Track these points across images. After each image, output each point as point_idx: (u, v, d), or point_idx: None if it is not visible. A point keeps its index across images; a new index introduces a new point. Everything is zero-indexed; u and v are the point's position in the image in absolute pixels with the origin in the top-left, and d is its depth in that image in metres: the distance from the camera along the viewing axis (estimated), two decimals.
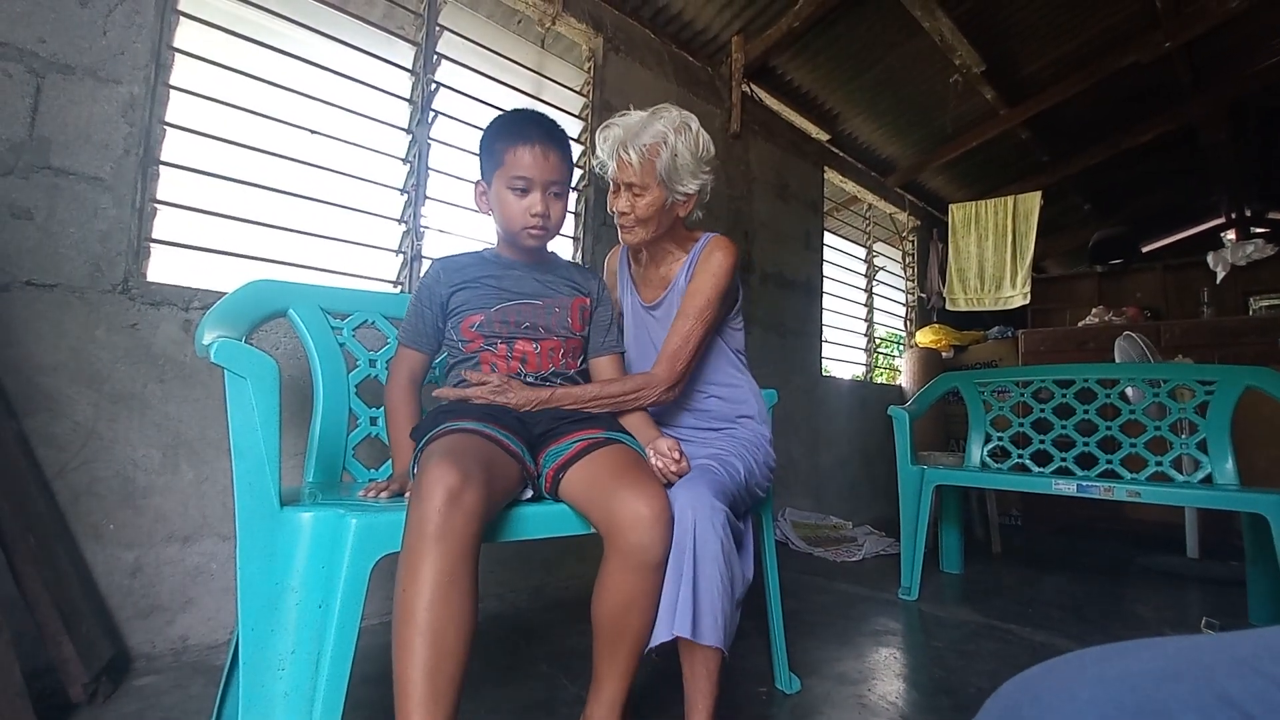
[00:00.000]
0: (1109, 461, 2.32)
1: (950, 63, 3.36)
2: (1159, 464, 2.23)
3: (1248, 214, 5.61)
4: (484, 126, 1.25)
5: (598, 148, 1.34)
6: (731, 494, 1.18)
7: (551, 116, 1.24)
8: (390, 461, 1.38)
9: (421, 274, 2.06)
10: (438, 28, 2.13)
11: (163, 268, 1.62)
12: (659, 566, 1.02)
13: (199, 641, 1.57)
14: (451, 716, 0.82)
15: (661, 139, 1.27)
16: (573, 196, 2.32)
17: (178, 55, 1.63)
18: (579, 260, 2.53)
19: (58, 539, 1.36)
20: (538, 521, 1.08)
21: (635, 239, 1.36)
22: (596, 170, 1.36)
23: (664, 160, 1.27)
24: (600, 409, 1.23)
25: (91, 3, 1.49)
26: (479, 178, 1.26)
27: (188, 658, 1.51)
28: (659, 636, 1.03)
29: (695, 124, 1.32)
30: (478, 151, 1.26)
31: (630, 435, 1.22)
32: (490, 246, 1.34)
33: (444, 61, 2.14)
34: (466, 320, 1.22)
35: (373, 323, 1.40)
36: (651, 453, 1.16)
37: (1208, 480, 2.15)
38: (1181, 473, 2.24)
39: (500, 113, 1.27)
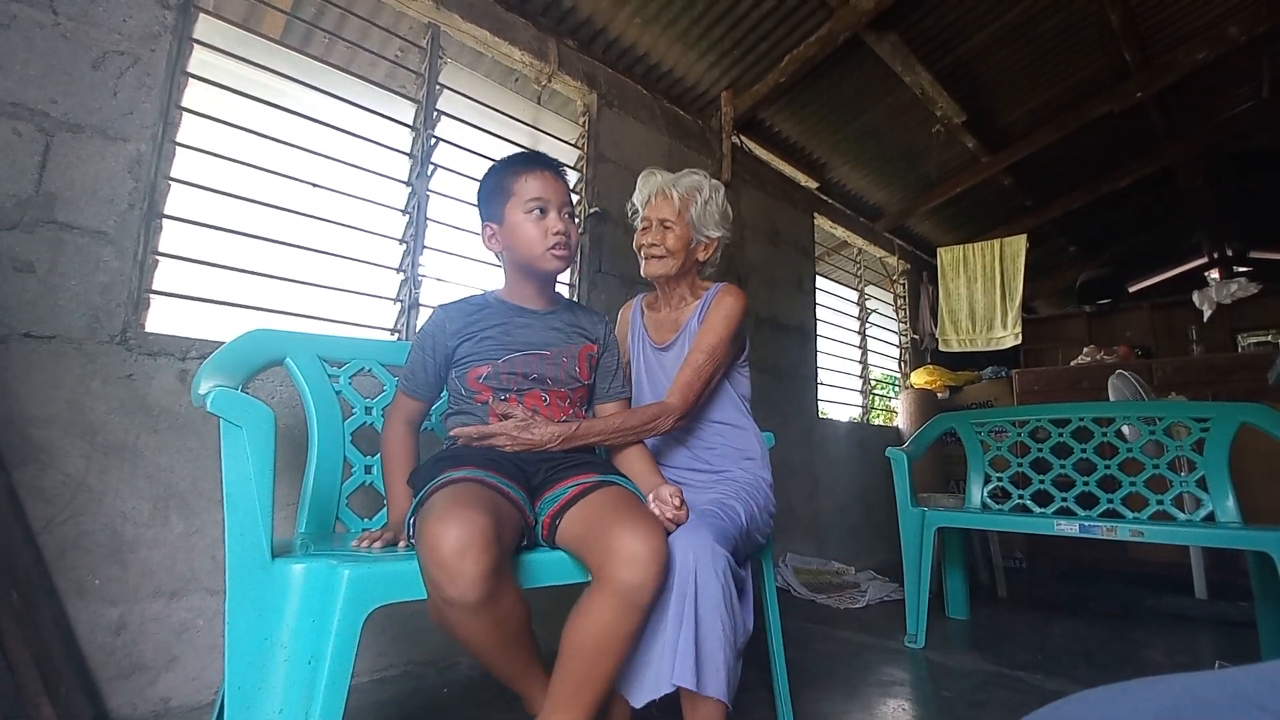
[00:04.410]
0: (1110, 501, 2.30)
1: (932, 114, 3.49)
2: (1160, 502, 2.21)
3: (1229, 253, 5.75)
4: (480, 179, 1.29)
5: (639, 189, 1.51)
6: (733, 539, 1.17)
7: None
8: (384, 510, 1.37)
9: (419, 321, 2.08)
10: (438, 86, 2.21)
11: (161, 318, 1.63)
12: (644, 610, 0.98)
13: (182, 703, 1.51)
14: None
15: (698, 187, 1.47)
16: None
17: (185, 114, 1.68)
18: None
19: (41, 595, 1.32)
20: (542, 569, 1.06)
21: (662, 269, 1.46)
22: (628, 212, 1.51)
23: (698, 205, 1.46)
24: (622, 440, 1.25)
25: (104, 65, 1.55)
26: (485, 221, 1.27)
27: None
28: (659, 689, 1.00)
29: (723, 190, 1.52)
30: (476, 199, 1.29)
31: (625, 478, 1.21)
32: (493, 291, 1.32)
33: (443, 118, 2.21)
34: (473, 371, 1.20)
35: (369, 370, 1.40)
36: (652, 499, 1.14)
37: (1210, 518, 2.13)
38: (1183, 511, 2.22)
39: (494, 161, 1.30)
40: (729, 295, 1.42)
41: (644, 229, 1.48)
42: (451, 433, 1.19)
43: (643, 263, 1.48)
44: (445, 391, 1.31)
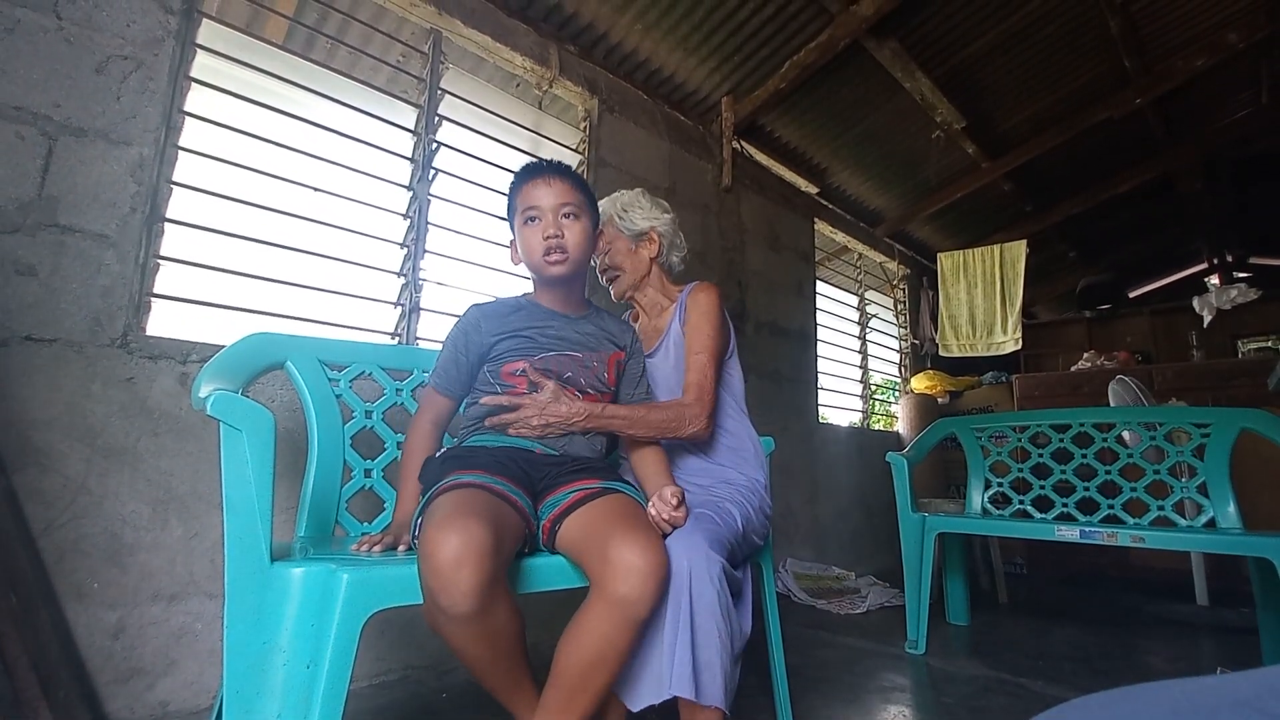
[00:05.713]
0: (1110, 506, 2.29)
1: (931, 120, 3.50)
2: (1161, 508, 2.21)
3: (1229, 259, 5.75)
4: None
5: None
6: (729, 544, 1.16)
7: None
8: (384, 514, 1.36)
9: (420, 325, 2.08)
10: (439, 91, 2.22)
11: (162, 322, 1.64)
12: (641, 624, 0.98)
13: (180, 707, 1.51)
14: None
15: (612, 202, 1.54)
16: None
17: (187, 118, 1.69)
18: None
19: (40, 598, 1.32)
20: (542, 574, 1.06)
21: (623, 284, 1.54)
22: (593, 264, 1.54)
23: (617, 214, 1.53)
24: (643, 433, 1.26)
25: (107, 70, 1.55)
26: (511, 238, 1.31)
27: None
28: (655, 695, 0.99)
29: (638, 190, 1.58)
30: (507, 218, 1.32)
31: (628, 485, 1.21)
32: (526, 294, 1.35)
33: (444, 122, 2.22)
34: (508, 366, 1.22)
35: (370, 374, 1.40)
36: (655, 498, 1.14)
37: (1211, 524, 2.13)
38: (1184, 517, 2.22)
39: None
40: (700, 291, 1.45)
41: (596, 263, 1.59)
42: (481, 401, 1.20)
43: (610, 291, 1.58)
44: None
